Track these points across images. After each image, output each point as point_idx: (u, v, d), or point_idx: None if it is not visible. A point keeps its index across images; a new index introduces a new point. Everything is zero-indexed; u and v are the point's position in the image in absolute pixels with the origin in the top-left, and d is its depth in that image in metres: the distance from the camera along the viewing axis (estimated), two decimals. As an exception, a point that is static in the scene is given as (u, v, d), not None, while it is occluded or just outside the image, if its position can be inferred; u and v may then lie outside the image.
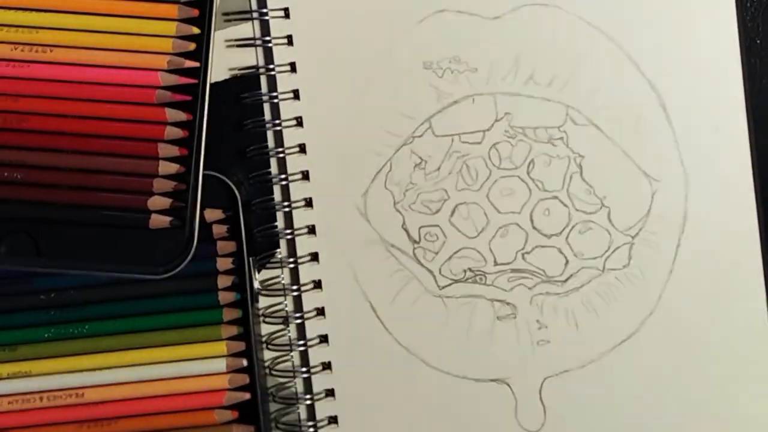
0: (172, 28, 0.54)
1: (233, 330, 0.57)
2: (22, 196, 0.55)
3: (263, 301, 0.59)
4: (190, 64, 0.54)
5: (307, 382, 0.59)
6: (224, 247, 0.57)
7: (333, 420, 0.59)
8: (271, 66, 0.58)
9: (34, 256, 0.55)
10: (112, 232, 0.55)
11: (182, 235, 0.55)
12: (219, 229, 0.57)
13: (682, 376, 0.59)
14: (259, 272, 0.59)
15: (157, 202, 0.54)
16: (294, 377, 0.59)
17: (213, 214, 0.57)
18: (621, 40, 0.58)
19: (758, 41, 0.60)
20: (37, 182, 0.55)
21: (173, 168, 0.55)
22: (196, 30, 0.55)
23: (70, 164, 0.55)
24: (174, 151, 0.55)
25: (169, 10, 0.54)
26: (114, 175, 0.54)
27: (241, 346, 0.57)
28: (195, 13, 0.55)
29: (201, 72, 0.55)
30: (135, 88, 0.54)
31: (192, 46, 0.55)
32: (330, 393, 0.59)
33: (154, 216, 0.54)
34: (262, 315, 0.59)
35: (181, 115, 0.55)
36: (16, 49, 0.54)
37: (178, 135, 0.55)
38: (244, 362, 0.57)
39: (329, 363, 0.59)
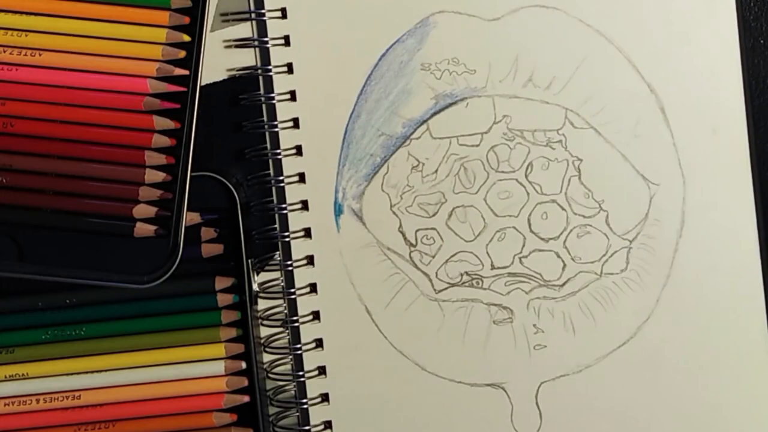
0: (162, 35, 0.54)
1: (232, 332, 0.57)
2: (6, 200, 0.55)
3: (262, 304, 0.59)
4: (179, 71, 0.54)
5: (302, 386, 0.59)
6: (211, 249, 0.57)
7: (327, 425, 0.59)
8: (268, 67, 0.58)
9: (17, 261, 0.55)
10: (98, 238, 0.54)
11: (168, 243, 0.54)
12: (207, 233, 0.57)
13: (679, 381, 0.59)
14: (257, 274, 0.59)
15: (142, 210, 0.54)
16: (293, 380, 0.59)
17: (191, 217, 0.57)
18: (620, 42, 0.58)
19: (762, 41, 0.59)
20: (22, 186, 0.54)
21: (160, 176, 0.54)
22: (186, 37, 0.54)
23: (56, 169, 0.54)
24: (161, 159, 0.54)
25: (160, 17, 0.54)
26: (100, 181, 0.54)
27: (239, 348, 0.57)
28: (186, 20, 0.54)
29: (190, 80, 0.54)
30: (123, 94, 0.54)
31: (182, 53, 0.54)
32: (325, 397, 0.59)
33: (139, 225, 0.54)
34: (261, 318, 0.59)
35: (169, 123, 0.54)
36: (4, 51, 0.54)
37: (166, 143, 0.54)
38: (243, 365, 0.57)
39: (324, 367, 0.59)
